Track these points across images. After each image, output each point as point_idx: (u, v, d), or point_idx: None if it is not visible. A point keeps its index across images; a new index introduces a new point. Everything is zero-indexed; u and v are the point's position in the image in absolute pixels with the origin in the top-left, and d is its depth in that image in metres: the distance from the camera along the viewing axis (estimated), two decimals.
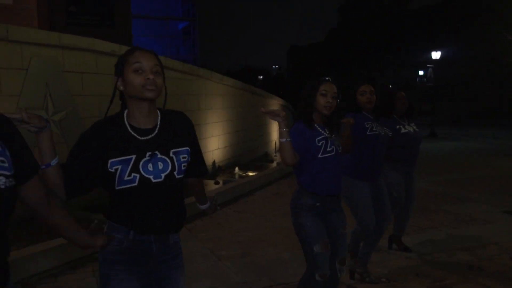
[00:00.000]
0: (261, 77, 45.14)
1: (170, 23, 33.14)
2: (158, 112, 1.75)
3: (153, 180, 1.64)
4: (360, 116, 3.37)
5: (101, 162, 1.61)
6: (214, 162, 9.35)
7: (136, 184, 1.62)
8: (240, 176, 8.98)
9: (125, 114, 1.70)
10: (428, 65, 22.53)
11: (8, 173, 1.21)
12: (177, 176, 1.70)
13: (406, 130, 4.00)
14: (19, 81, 4.90)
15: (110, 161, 1.61)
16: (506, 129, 22.40)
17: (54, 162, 1.56)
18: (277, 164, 10.92)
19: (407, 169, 4.06)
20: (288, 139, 2.39)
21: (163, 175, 1.66)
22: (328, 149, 2.55)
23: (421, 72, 44.89)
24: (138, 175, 1.62)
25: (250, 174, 9.14)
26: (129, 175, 1.61)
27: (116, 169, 1.61)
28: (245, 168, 9.95)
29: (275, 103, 15.06)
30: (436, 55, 21.95)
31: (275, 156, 13.08)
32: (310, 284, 2.55)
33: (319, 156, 2.53)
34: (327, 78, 2.67)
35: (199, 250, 4.27)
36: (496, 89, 36.94)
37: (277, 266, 3.83)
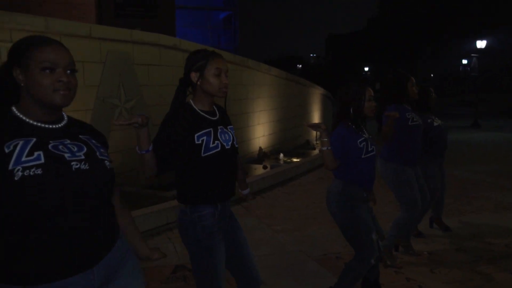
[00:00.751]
0: (300, 66, 45.19)
1: (212, 13, 33.84)
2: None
3: (226, 147, 2.10)
4: (402, 108, 3.65)
5: (187, 139, 2.02)
6: (260, 148, 9.89)
7: (219, 149, 2.07)
8: (285, 162, 9.48)
9: (192, 103, 2.13)
10: (472, 55, 22.10)
11: (109, 161, 1.49)
12: (235, 145, 2.19)
13: (437, 123, 4.26)
14: (98, 73, 5.56)
15: (196, 135, 2.03)
16: None
17: (150, 147, 1.95)
18: (319, 151, 11.34)
19: (440, 161, 4.38)
20: (329, 148, 2.67)
21: (230, 143, 2.13)
22: (369, 149, 2.80)
23: (464, 61, 43.69)
24: (219, 142, 2.07)
25: (294, 160, 9.62)
26: (213, 142, 2.05)
27: (203, 140, 2.03)
28: (288, 154, 10.44)
29: (316, 92, 15.40)
30: (481, 44, 21.50)
31: (317, 143, 13.49)
32: (362, 266, 2.76)
33: (363, 157, 2.77)
34: (365, 81, 3.04)
35: (257, 225, 4.81)
36: None
37: (326, 240, 4.30)
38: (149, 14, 28.24)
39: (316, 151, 11.60)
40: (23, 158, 1.28)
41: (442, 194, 4.50)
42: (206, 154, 2.04)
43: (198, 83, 2.09)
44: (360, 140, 2.77)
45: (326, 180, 7.33)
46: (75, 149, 1.41)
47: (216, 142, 2.06)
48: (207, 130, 2.06)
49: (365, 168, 2.79)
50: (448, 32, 45.40)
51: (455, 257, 3.90)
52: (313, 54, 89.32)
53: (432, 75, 53.53)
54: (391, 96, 3.76)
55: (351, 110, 2.81)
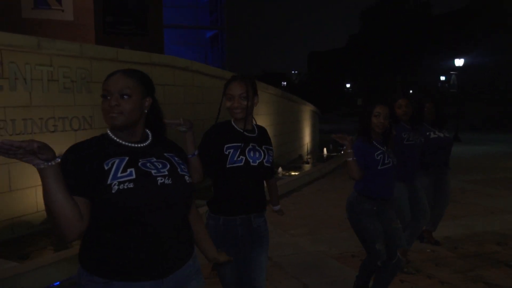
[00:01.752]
0: (285, 83, 46.06)
1: (199, 32, 34.52)
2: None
3: (251, 163, 2.23)
4: (399, 127, 3.84)
5: (219, 147, 2.21)
6: None
7: (242, 164, 2.20)
8: (283, 175, 10.00)
9: (232, 121, 2.34)
10: (451, 72, 23.17)
11: (188, 176, 1.69)
12: (265, 164, 2.29)
13: (436, 136, 4.39)
14: None
15: (226, 145, 2.21)
16: None
17: (196, 152, 2.12)
18: (312, 165, 11.91)
19: (438, 174, 4.47)
20: (354, 158, 2.89)
21: (258, 161, 2.25)
22: (386, 161, 2.98)
23: (442, 78, 45.22)
24: (244, 158, 2.21)
25: (293, 173, 10.15)
26: (238, 156, 2.20)
27: (229, 152, 2.20)
28: (285, 168, 10.96)
29: (307, 109, 16.04)
30: (459, 62, 22.62)
31: (309, 158, 14.06)
32: (372, 267, 3.08)
33: (379, 168, 2.96)
34: (380, 101, 3.03)
35: (273, 230, 5.27)
36: None
37: (340, 241, 4.80)
38: (139, 32, 28.69)
39: (309, 165, 12.17)
40: (119, 174, 1.50)
41: (442, 208, 4.60)
42: (230, 166, 2.20)
43: (225, 105, 2.32)
44: (377, 152, 2.99)
45: (325, 192, 7.87)
46: (160, 166, 1.61)
47: (241, 157, 2.21)
48: (237, 144, 2.23)
49: (381, 180, 2.99)
50: (427, 50, 46.99)
51: (454, 259, 4.45)
52: (294, 71, 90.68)
53: (411, 91, 55.08)
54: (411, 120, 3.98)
55: (361, 125, 3.06)
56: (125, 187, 1.48)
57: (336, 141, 2.93)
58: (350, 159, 2.91)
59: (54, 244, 4.66)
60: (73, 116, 5.28)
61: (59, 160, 1.33)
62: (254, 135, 2.34)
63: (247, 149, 2.24)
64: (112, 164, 1.53)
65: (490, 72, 38.03)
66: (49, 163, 1.28)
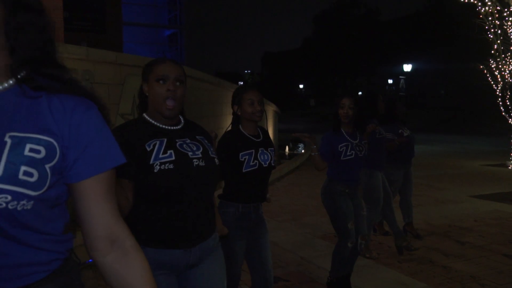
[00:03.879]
0: (241, 83, 46.88)
1: (158, 31, 34.62)
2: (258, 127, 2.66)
3: (263, 165, 2.53)
4: (372, 122, 4.10)
5: (234, 155, 2.47)
6: None
7: (257, 167, 2.49)
8: None
9: (240, 127, 2.61)
10: (400, 77, 24.89)
11: (217, 158, 1.83)
12: (272, 164, 2.61)
13: (407, 134, 4.84)
14: (118, 93, 6.50)
15: (240, 153, 2.47)
16: (466, 135, 25.02)
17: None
18: (280, 162, 12.72)
19: (407, 167, 5.02)
20: (317, 153, 3.30)
21: (267, 162, 2.57)
22: (348, 153, 3.31)
23: (390, 81, 47.76)
24: (257, 162, 2.51)
25: None
26: (253, 161, 2.49)
27: (245, 159, 2.47)
28: None
29: (271, 109, 16.85)
30: (407, 67, 24.38)
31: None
32: (343, 250, 3.40)
33: (342, 158, 3.33)
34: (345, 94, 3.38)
35: None
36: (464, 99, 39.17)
37: (322, 225, 5.58)
38: (97, 29, 28.31)
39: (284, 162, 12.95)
40: (160, 155, 1.66)
41: (409, 197, 5.11)
42: (246, 170, 2.48)
43: (239, 113, 2.59)
44: (341, 145, 3.34)
45: (297, 185, 8.68)
46: (195, 148, 1.76)
47: (255, 161, 2.50)
48: (250, 151, 2.51)
49: (344, 168, 3.36)
50: (377, 54, 49.32)
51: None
52: (247, 71, 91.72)
53: (360, 92, 57.58)
54: (364, 113, 4.14)
55: (333, 116, 3.43)
56: (166, 167, 1.64)
57: (295, 140, 3.51)
58: (313, 153, 3.34)
59: None
60: None
61: None
62: (260, 139, 2.64)
63: (258, 154, 2.54)
64: (154, 146, 1.68)
65: (432, 78, 40.62)
66: None
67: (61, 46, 4.29)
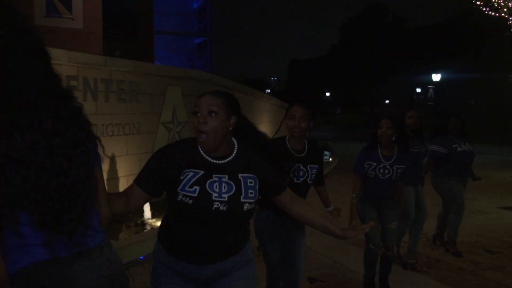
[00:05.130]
0: (269, 90, 47.26)
1: (187, 39, 35.43)
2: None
3: (295, 181, 2.69)
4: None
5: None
6: None
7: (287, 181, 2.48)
8: None
9: (286, 138, 2.78)
10: (429, 86, 24.72)
11: (251, 203, 1.82)
12: (308, 182, 2.82)
13: (462, 149, 4.76)
14: (160, 103, 6.91)
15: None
16: (497, 145, 24.59)
17: (331, 208, 3.07)
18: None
19: (464, 181, 4.95)
20: (355, 202, 3.52)
21: (301, 179, 2.74)
22: (370, 171, 3.56)
23: (418, 90, 47.20)
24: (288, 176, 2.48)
25: None
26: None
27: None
28: None
29: None
30: (436, 77, 24.22)
31: None
32: (367, 252, 3.66)
33: (372, 177, 3.58)
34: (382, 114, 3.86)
35: None
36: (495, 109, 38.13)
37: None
38: (129, 38, 29.09)
39: None
40: (186, 188, 1.74)
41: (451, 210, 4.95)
42: None
43: (285, 125, 2.73)
44: (372, 167, 3.55)
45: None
46: (225, 189, 1.76)
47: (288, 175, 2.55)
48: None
49: (369, 185, 3.60)
50: (404, 62, 48.79)
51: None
52: (273, 78, 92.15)
53: (387, 101, 57.04)
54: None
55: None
56: (186, 200, 1.73)
57: (322, 148, 3.56)
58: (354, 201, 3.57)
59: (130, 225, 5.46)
60: (125, 123, 6.16)
61: None
62: (303, 155, 2.71)
63: (292, 169, 2.61)
64: (186, 176, 1.75)
65: (460, 87, 39.91)
66: None
67: (112, 60, 4.71)
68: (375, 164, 3.54)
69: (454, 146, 4.77)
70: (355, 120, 45.00)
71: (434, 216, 5.34)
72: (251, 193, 1.80)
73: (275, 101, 12.61)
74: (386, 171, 3.53)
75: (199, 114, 1.74)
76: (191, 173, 1.75)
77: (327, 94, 62.24)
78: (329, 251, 5.00)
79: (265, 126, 11.54)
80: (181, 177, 1.74)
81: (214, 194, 1.72)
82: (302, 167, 2.68)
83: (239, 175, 1.80)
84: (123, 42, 27.78)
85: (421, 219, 4.55)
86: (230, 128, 1.78)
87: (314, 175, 2.79)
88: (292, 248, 2.79)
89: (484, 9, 10.85)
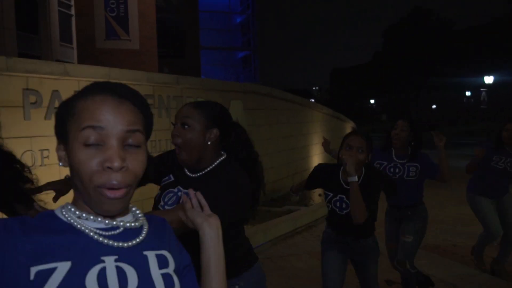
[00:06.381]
0: (313, 100, 47.35)
1: (232, 53, 36.25)
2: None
3: (337, 212, 2.67)
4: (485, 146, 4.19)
5: (323, 186, 2.85)
6: None
7: (337, 210, 2.68)
8: None
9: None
10: (481, 89, 23.97)
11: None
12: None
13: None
14: None
15: (325, 191, 2.81)
16: None
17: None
18: None
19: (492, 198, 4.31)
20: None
21: (344, 211, 2.64)
22: (391, 173, 3.40)
23: (468, 93, 45.70)
24: (330, 205, 2.74)
25: None
26: (335, 203, 2.70)
27: (328, 195, 2.76)
28: None
29: (349, 126, 17.14)
30: (489, 79, 23.42)
31: None
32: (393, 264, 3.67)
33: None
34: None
35: None
36: None
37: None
38: (178, 55, 30.21)
39: None
40: (159, 188, 1.80)
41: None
42: (328, 206, 2.70)
43: (340, 156, 2.59)
44: (384, 164, 3.44)
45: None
46: (172, 194, 1.74)
47: (329, 206, 2.68)
48: (330, 194, 2.66)
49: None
50: (450, 65, 47.50)
51: None
52: (315, 87, 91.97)
53: (434, 106, 55.53)
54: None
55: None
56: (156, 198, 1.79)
57: None
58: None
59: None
60: None
61: None
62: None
63: (335, 199, 2.63)
64: (165, 178, 1.80)
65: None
66: None
67: (183, 78, 5.07)
68: (385, 163, 3.44)
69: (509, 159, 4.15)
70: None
71: None
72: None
73: (327, 110, 12.74)
74: (397, 170, 3.39)
75: (174, 126, 1.66)
76: (167, 177, 1.77)
77: (372, 101, 61.37)
78: None
79: (317, 136, 11.69)
80: (164, 177, 1.78)
81: (161, 203, 1.69)
82: (345, 199, 2.60)
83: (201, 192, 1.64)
84: (171, 60, 28.93)
85: (508, 232, 4.21)
86: (209, 143, 1.63)
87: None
88: (362, 276, 2.81)
89: None
